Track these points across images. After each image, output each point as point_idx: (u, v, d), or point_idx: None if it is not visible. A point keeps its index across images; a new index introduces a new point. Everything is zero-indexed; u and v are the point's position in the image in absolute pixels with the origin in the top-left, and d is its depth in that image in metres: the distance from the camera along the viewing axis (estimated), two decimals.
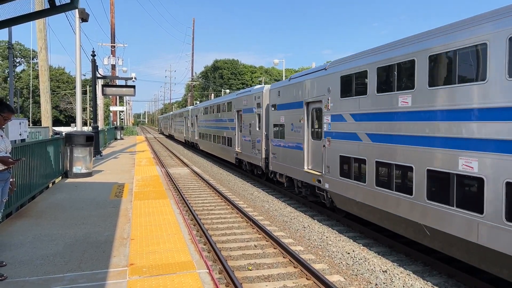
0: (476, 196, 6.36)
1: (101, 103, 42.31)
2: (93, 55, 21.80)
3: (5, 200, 5.47)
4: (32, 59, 63.05)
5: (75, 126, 23.18)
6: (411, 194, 7.79)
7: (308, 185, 13.06)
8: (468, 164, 6.54)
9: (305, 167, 12.87)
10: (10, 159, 5.28)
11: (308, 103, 12.69)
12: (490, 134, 6.17)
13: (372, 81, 9.08)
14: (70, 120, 69.56)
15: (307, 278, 7.34)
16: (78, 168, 13.36)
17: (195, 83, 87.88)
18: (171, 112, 67.84)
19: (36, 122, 59.25)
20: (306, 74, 13.05)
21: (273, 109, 15.86)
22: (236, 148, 21.75)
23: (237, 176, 20.86)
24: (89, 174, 13.59)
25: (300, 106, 13.14)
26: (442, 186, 7.08)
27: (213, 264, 7.88)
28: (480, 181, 6.31)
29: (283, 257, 8.46)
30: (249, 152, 19.26)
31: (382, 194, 8.69)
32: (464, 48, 6.73)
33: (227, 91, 74.22)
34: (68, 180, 12.95)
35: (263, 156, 17.30)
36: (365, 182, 9.32)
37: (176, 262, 5.61)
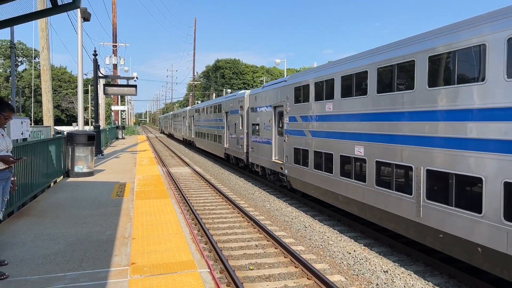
0: (363, 171, 9.47)
1: (103, 102, 42.34)
2: (95, 55, 21.83)
3: (6, 199, 5.47)
4: (34, 58, 62.94)
5: (77, 125, 23.19)
6: (332, 173, 10.94)
7: (275, 172, 16.19)
8: (359, 150, 9.63)
9: (273, 158, 16.02)
10: (11, 158, 5.28)
11: (275, 107, 15.74)
12: (367, 130, 9.30)
13: (312, 92, 12.18)
14: (71, 119, 69.59)
15: (308, 278, 7.33)
16: (79, 168, 13.38)
17: (196, 82, 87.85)
18: (171, 112, 68.92)
19: (38, 121, 59.26)
20: (274, 84, 16.11)
21: (251, 111, 18.89)
22: (225, 145, 24.43)
23: (238, 176, 20.87)
24: (90, 174, 13.61)
25: (270, 109, 16.15)
26: (347, 166, 10.23)
27: (214, 264, 7.88)
28: (364, 161, 9.42)
29: (284, 257, 8.46)
30: (235, 148, 22.08)
31: (317, 175, 11.90)
32: (358, 72, 9.68)
33: (229, 91, 74.14)
34: (70, 179, 12.97)
35: (245, 150, 19.97)
36: (308, 167, 12.47)
37: (177, 262, 5.61)
